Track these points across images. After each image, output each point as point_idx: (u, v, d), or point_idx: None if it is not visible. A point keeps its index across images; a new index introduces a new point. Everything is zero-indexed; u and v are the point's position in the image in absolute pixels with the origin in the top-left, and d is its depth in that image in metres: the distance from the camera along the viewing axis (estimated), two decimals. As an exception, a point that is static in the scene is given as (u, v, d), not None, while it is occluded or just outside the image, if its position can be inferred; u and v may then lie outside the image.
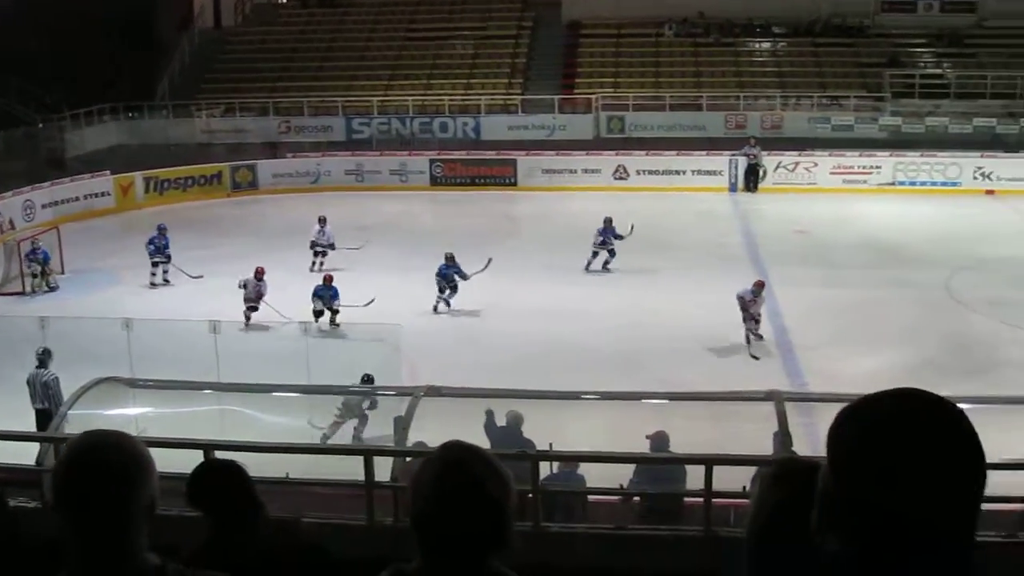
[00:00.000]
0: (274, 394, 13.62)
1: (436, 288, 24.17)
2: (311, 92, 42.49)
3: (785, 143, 38.84)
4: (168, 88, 43.66)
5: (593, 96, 41.69)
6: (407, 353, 19.11)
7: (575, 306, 23.54)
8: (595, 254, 27.21)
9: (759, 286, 21.43)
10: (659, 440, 12.28)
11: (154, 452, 2.65)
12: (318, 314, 22.70)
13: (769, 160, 37.27)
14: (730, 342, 21.11)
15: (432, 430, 10.29)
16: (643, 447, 12.03)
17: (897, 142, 39.36)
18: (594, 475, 11.57)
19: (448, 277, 24.19)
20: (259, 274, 23.49)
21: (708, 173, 37.51)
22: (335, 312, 22.80)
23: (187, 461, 4.85)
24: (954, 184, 37.01)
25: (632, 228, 27.19)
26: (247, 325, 22.68)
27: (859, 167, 37.42)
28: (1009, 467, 8.60)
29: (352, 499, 9.56)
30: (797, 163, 37.47)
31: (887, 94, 41.62)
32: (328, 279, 23.46)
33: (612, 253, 27.15)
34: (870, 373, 18.53)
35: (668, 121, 40.80)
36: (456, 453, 2.57)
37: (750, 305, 21.22)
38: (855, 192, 36.27)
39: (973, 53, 44.18)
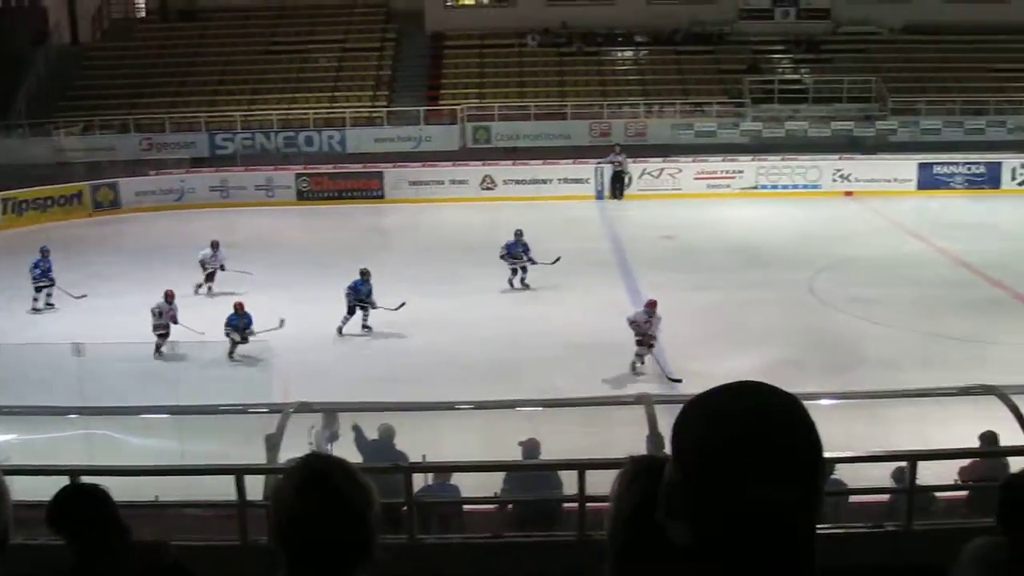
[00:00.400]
0: (142, 416, 13.36)
1: (346, 306, 23.19)
2: (173, 108, 41.83)
3: (649, 150, 39.36)
4: (24, 106, 42.58)
5: (458, 107, 41.75)
6: (281, 370, 18.92)
7: (449, 317, 23.55)
8: (514, 270, 26.36)
9: (652, 306, 20.55)
10: (530, 448, 12.34)
11: (19, 480, 2.58)
12: (237, 344, 21.66)
13: (634, 167, 37.72)
14: (602, 347, 21.25)
15: (304, 447, 10.20)
16: (518, 455, 12.08)
17: (758, 147, 40.19)
18: (469, 484, 11.57)
19: (362, 295, 23.25)
20: (169, 297, 22.55)
21: (574, 181, 37.82)
22: (247, 340, 21.84)
23: (53, 488, 4.74)
24: (814, 187, 37.88)
25: (557, 260, 26.48)
26: (160, 352, 21.84)
27: (722, 172, 38.10)
28: (873, 459, 8.83)
29: (226, 520, 9.43)
30: (662, 169, 38.00)
31: (747, 100, 42.46)
32: (240, 306, 22.29)
33: (524, 269, 26.41)
34: (738, 373, 18.49)
35: (533, 131, 41.10)
36: (317, 465, 2.58)
37: (646, 327, 20.38)
38: (719, 197, 36.92)
39: (829, 59, 45.28)
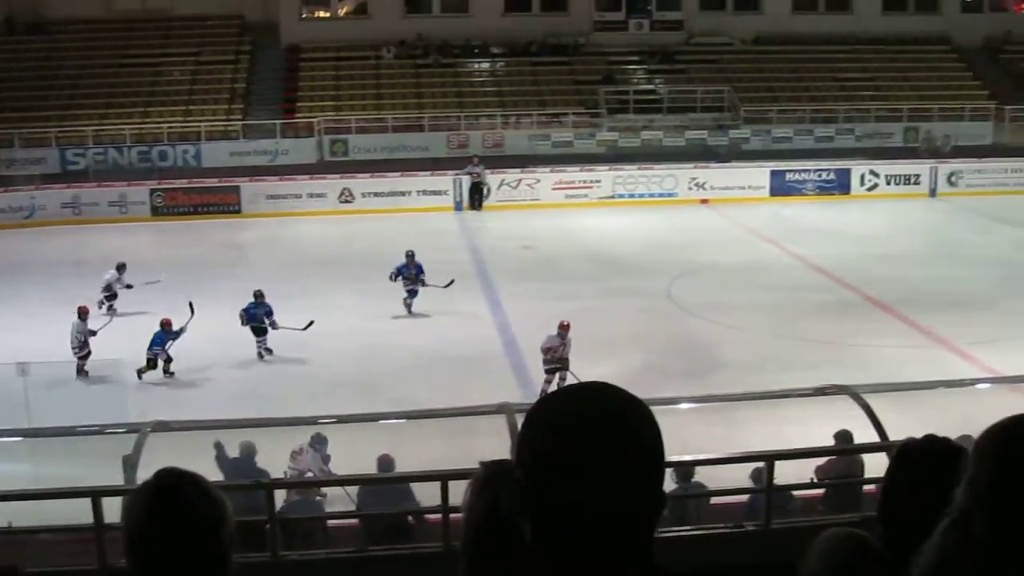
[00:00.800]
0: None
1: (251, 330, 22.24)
2: (22, 123, 40.61)
3: (507, 161, 39.54)
4: None
5: (315, 120, 41.42)
6: (137, 389, 18.54)
7: (309, 332, 23.27)
8: (410, 292, 25.14)
9: (565, 328, 19.90)
10: (385, 463, 12.30)
11: None
12: (169, 362, 21.01)
13: (492, 178, 37.83)
14: (463, 358, 21.25)
15: (162, 467, 9.98)
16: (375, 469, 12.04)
17: (615, 156, 40.67)
18: (332, 499, 11.48)
19: (257, 318, 22.23)
20: (83, 313, 21.73)
21: (433, 193, 37.76)
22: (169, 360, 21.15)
23: None
24: (671, 195, 38.44)
25: (451, 282, 25.50)
26: (85, 374, 21.01)
27: (580, 182, 38.41)
28: (732, 461, 8.96)
29: (83, 543, 9.20)
30: (520, 180, 38.16)
31: (603, 110, 42.91)
32: (167, 323, 21.15)
33: (414, 292, 25.16)
34: (602, 378, 18.92)
35: (391, 143, 41.00)
36: (168, 479, 2.53)
37: (560, 350, 19.79)
38: (577, 206, 37.20)
39: (683, 69, 46.04)
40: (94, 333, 21.50)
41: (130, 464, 10.32)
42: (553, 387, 18.36)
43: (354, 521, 11.73)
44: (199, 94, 43.23)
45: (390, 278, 25.05)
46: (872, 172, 40.10)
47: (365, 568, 8.93)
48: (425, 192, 37.77)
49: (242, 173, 38.58)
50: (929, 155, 41.70)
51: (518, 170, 38.53)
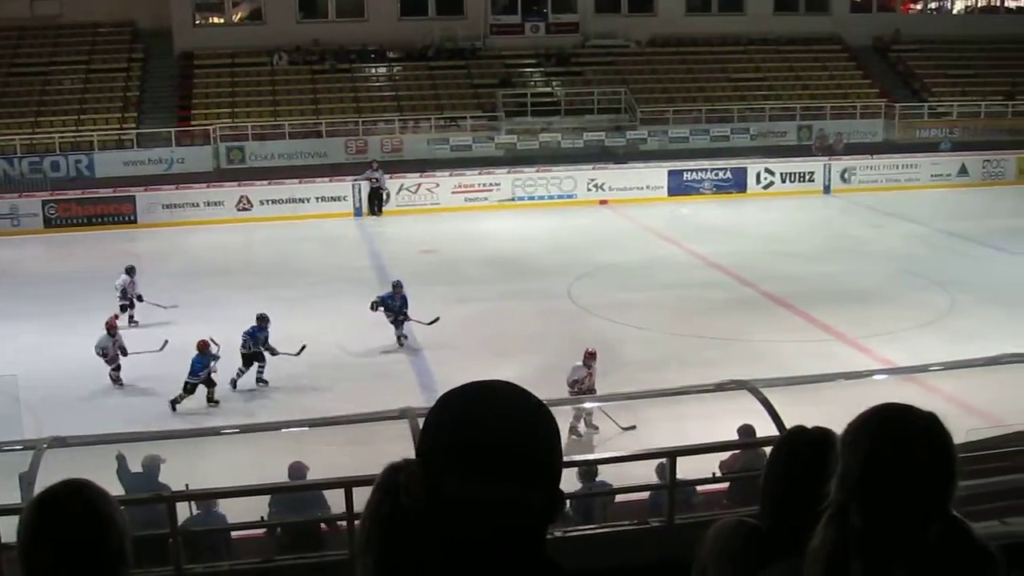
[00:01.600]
0: None
1: (241, 358, 20.92)
2: (-94, 136, 39.72)
3: (406, 165, 39.49)
4: None
5: (211, 127, 40.96)
6: (33, 404, 18.16)
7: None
8: (396, 324, 22.95)
9: (591, 357, 18.62)
10: (296, 470, 12.21)
11: None
12: (191, 389, 19.84)
13: (392, 183, 37.64)
14: (366, 365, 21.16)
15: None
16: (286, 477, 11.93)
17: (514, 159, 40.77)
18: (238, 510, 11.34)
19: (259, 341, 20.95)
20: (111, 328, 21.12)
21: (332, 199, 37.47)
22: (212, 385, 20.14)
23: None
24: (570, 196, 38.59)
25: (435, 320, 23.17)
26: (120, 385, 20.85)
27: (479, 185, 38.41)
28: (635, 458, 9.03)
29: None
30: (419, 184, 38.06)
31: (501, 113, 43.03)
32: (204, 345, 19.89)
33: (399, 324, 22.97)
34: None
35: (289, 149, 40.72)
36: (60, 491, 2.50)
37: (587, 381, 18.39)
38: (477, 209, 37.21)
39: (580, 71, 46.35)
40: (124, 351, 21.01)
41: (27, 482, 10.11)
42: (581, 423, 17.92)
43: (263, 532, 11.62)
44: (91, 103, 42.51)
45: (371, 307, 22.96)
46: (767, 170, 40.66)
47: (271, 578, 8.86)
48: (324, 198, 37.46)
49: (137, 183, 37.96)
50: (822, 153, 42.41)
51: (417, 175, 38.43)
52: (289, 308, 24.86)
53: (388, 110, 43.29)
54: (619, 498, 12.04)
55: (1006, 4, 55.93)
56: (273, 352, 20.86)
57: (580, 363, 18.53)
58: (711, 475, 10.87)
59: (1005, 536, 6.46)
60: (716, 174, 40.29)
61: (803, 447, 3.04)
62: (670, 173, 39.89)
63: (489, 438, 1.94)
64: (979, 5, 55.73)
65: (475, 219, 35.89)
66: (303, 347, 21.20)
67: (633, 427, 16.94)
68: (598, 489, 11.73)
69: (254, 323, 21.11)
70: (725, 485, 11.93)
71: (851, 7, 52.65)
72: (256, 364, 20.88)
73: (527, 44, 47.82)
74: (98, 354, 20.84)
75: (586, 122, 43.32)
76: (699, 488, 11.69)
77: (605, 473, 12.07)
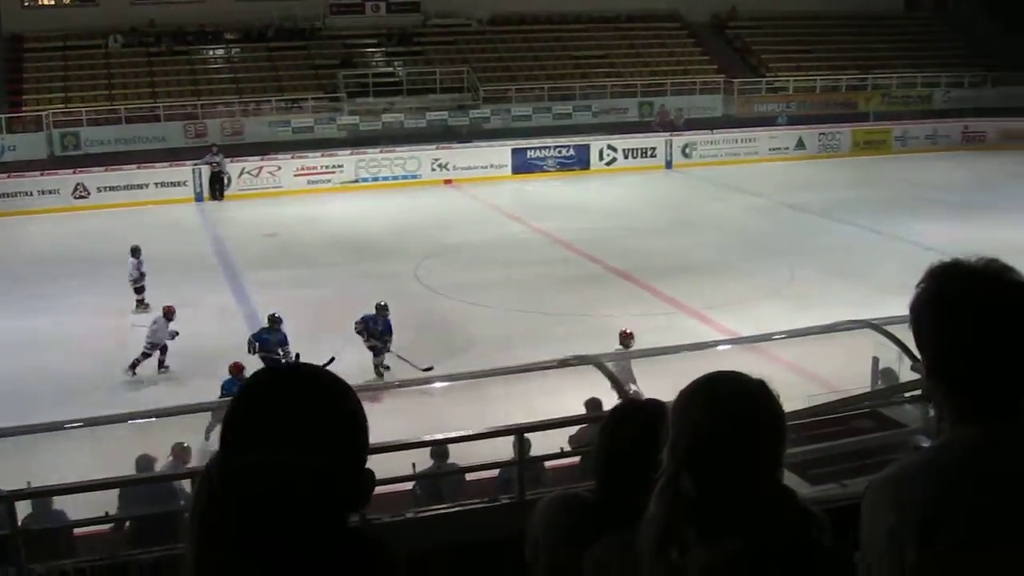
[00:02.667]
0: None
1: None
2: None
3: (247, 148, 38.86)
4: None
5: (43, 113, 39.72)
6: None
7: (51, 334, 22.37)
8: (373, 350, 20.32)
9: (628, 337, 18.31)
10: (144, 462, 11.97)
11: None
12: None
13: (233, 167, 37.04)
14: (213, 353, 20.77)
15: None
16: (133, 470, 11.69)
17: (357, 140, 40.51)
18: (83, 506, 11.05)
19: (270, 346, 19.25)
20: (168, 313, 20.73)
21: (172, 184, 36.70)
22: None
23: None
24: (414, 176, 38.51)
25: (429, 368, 20.02)
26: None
27: (322, 167, 38.05)
28: (483, 436, 9.03)
29: None
30: (261, 168, 37.54)
31: (343, 94, 42.64)
32: (237, 369, 17.34)
33: (377, 351, 20.32)
34: (347, 366, 18.85)
35: (125, 134, 39.72)
36: None
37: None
38: (321, 192, 36.89)
39: (422, 51, 46.20)
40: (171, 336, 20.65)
41: None
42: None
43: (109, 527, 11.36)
44: (-85, 90, 40.92)
45: (356, 330, 20.26)
46: (610, 147, 41.11)
47: (119, 574, 8.65)
48: (164, 184, 36.63)
49: (-34, 172, 36.71)
50: (663, 128, 43.01)
51: (259, 158, 37.89)
52: (131, 297, 24.33)
53: (227, 92, 42.56)
54: (471, 477, 12.05)
55: (838, -19, 57.26)
56: (289, 357, 18.69)
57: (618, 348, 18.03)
58: (559, 450, 10.93)
59: (843, 498, 6.62)
60: (559, 151, 40.59)
61: (630, 419, 3.05)
62: (514, 151, 40.07)
63: (276, 413, 1.98)
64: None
65: (319, 201, 35.56)
66: (331, 359, 17.69)
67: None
68: (448, 468, 11.73)
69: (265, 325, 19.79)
70: (576, 459, 12.00)
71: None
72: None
73: (368, 24, 47.48)
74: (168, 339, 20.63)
75: (429, 102, 43.21)
76: (550, 464, 11.77)
77: (456, 453, 12.07)
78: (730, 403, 2.36)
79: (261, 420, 2.00)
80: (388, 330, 20.35)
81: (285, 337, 19.46)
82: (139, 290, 24.20)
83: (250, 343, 19.37)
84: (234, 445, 2.00)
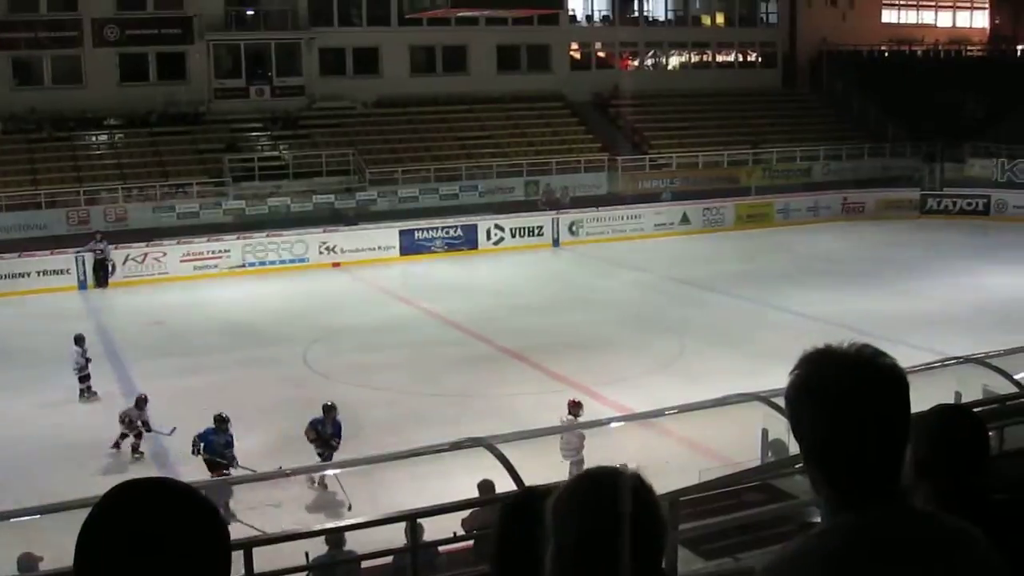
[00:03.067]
0: None
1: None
2: None
3: (132, 235, 38.28)
4: None
5: (-80, 202, 38.86)
6: None
7: None
8: (322, 456, 18.56)
9: (575, 406, 18.34)
10: (27, 562, 11.64)
11: None
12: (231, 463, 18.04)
13: (117, 253, 36.43)
14: (95, 444, 20.29)
15: None
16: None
17: (243, 224, 40.16)
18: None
19: (215, 449, 17.94)
20: (141, 403, 20.26)
21: (55, 272, 35.96)
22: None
23: None
24: (302, 260, 38.24)
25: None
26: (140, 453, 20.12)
27: (209, 252, 37.62)
28: (376, 524, 8.90)
29: None
30: (146, 254, 36.97)
31: (228, 179, 42.38)
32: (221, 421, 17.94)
33: (323, 457, 18.76)
34: (243, 452, 18.56)
35: (6, 222, 38.99)
36: None
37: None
38: (207, 277, 36.43)
39: (307, 134, 46.19)
40: (148, 428, 20.20)
41: None
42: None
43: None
44: None
45: (308, 439, 18.68)
46: (497, 226, 41.32)
47: None
48: (46, 272, 35.89)
49: None
50: (550, 207, 43.37)
51: (143, 244, 37.33)
52: (11, 391, 23.74)
53: (111, 178, 42.02)
54: (367, 564, 11.86)
55: (717, 59, 58.71)
56: (233, 463, 18.02)
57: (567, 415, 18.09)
58: (452, 534, 10.81)
59: (737, 572, 6.62)
60: (447, 232, 40.68)
61: (526, 508, 2.99)
62: (401, 233, 40.05)
63: (132, 535, 1.96)
64: (692, 61, 58.30)
65: (205, 287, 35.12)
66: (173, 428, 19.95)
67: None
68: (343, 556, 11.53)
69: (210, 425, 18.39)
70: (469, 543, 11.89)
71: (571, 65, 54.39)
72: (210, 472, 17.67)
73: (252, 108, 47.39)
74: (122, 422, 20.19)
75: (315, 185, 43.11)
76: (444, 548, 11.63)
77: (352, 540, 11.88)
78: (608, 506, 2.33)
79: (115, 540, 1.96)
80: (338, 432, 18.84)
81: (231, 439, 18.26)
82: (83, 379, 23.61)
83: (194, 443, 18.17)
84: (83, 566, 1.97)
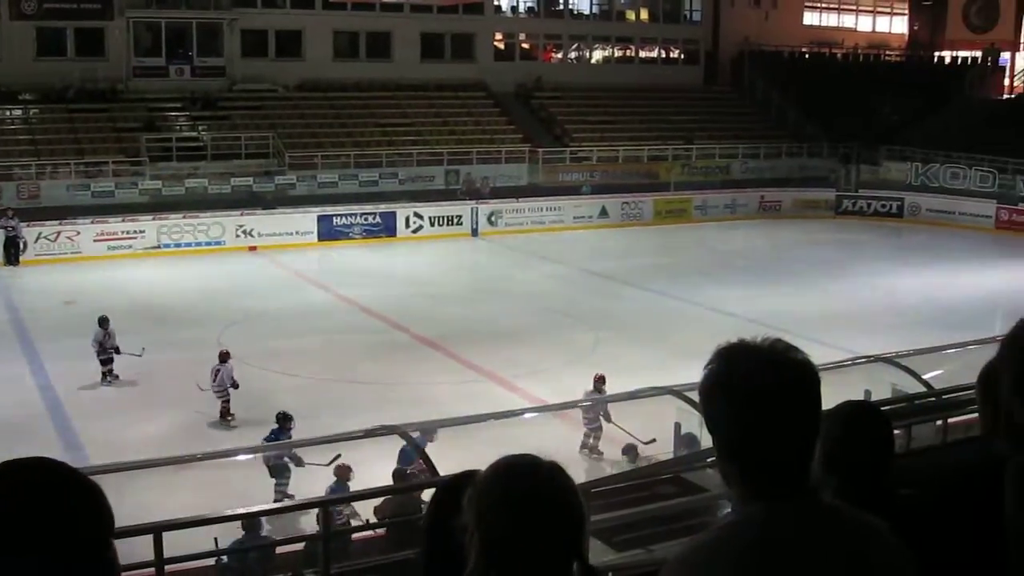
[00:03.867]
0: None
1: None
2: None
3: (45, 213, 37.55)
4: None
5: None
6: None
7: None
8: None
9: (600, 381, 19.12)
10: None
11: None
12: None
13: (29, 231, 35.80)
14: (3, 424, 19.97)
15: None
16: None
17: (159, 205, 39.64)
18: None
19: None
20: (224, 356, 20.93)
21: (-36, 250, 35.32)
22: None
23: None
24: (218, 243, 37.86)
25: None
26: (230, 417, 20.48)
27: (123, 232, 37.09)
28: (288, 510, 8.85)
29: None
30: (59, 232, 36.35)
31: (145, 158, 41.78)
32: (344, 472, 14.02)
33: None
34: (151, 437, 18.40)
35: (-86, 197, 38.14)
36: None
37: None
38: (122, 258, 35.91)
39: (227, 116, 45.65)
40: (235, 384, 20.83)
41: None
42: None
43: None
44: None
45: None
46: (416, 214, 41.22)
47: None
48: (-45, 250, 35.24)
49: None
50: (470, 196, 43.35)
51: (56, 222, 36.65)
52: None
53: (24, 155, 41.23)
54: (279, 550, 11.80)
55: (640, 55, 59.01)
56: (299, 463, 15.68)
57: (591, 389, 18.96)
58: (365, 521, 10.79)
59: (650, 563, 6.67)
60: (366, 219, 40.50)
61: (460, 491, 2.98)
62: (320, 218, 39.81)
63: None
64: (615, 56, 58.53)
65: (119, 268, 34.61)
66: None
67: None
68: (254, 542, 11.45)
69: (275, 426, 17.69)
70: (382, 531, 11.87)
71: (495, 55, 54.38)
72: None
73: (172, 87, 46.75)
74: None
75: (234, 167, 42.65)
76: (357, 536, 11.61)
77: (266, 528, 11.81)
78: (528, 493, 2.34)
79: None
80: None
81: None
82: (104, 362, 23.01)
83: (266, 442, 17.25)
84: None
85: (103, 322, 23.28)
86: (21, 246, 35.55)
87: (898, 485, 3.45)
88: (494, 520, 2.33)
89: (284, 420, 17.47)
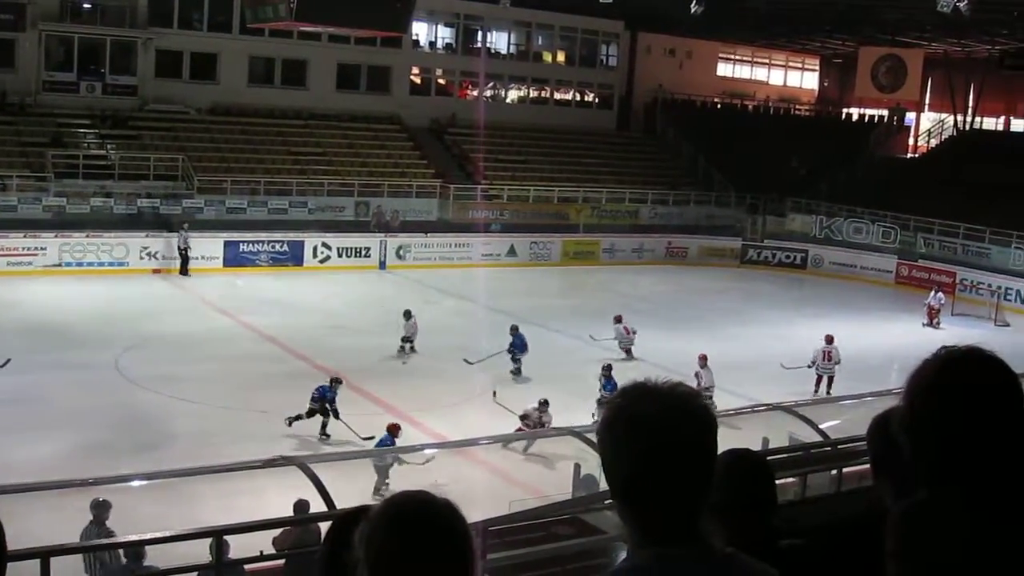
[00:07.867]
0: None
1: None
2: None
3: (-57, 226, 36.83)
4: None
5: None
6: None
7: None
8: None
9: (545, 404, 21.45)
10: None
11: None
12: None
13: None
14: None
15: None
16: None
17: (62, 223, 38.94)
18: None
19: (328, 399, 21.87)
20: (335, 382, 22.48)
21: None
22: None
23: None
24: (121, 264, 37.36)
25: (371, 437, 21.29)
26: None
27: (24, 248, 36.42)
28: (179, 539, 8.70)
29: None
30: (-45, 247, 35.62)
31: (50, 174, 41.08)
32: (395, 428, 19.61)
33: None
34: (44, 459, 18.01)
35: None
36: None
37: (537, 417, 21.10)
38: (21, 275, 35.23)
39: (137, 135, 45.11)
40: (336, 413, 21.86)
41: None
42: None
43: None
44: None
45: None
46: (324, 245, 41.05)
47: None
48: None
49: None
50: (379, 229, 43.24)
51: (-43, 236, 35.93)
52: None
53: (-76, 165, 40.40)
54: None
55: (555, 96, 59.44)
56: (336, 415, 21.52)
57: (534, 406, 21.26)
58: (260, 552, 10.63)
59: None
60: (273, 246, 40.24)
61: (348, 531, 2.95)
62: (226, 243, 39.47)
63: None
64: (531, 96, 58.89)
65: (17, 284, 33.93)
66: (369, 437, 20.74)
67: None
68: (143, 571, 11.23)
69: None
70: (280, 562, 11.72)
71: (411, 89, 54.45)
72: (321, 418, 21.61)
73: (82, 104, 46.06)
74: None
75: (141, 188, 42.07)
76: (251, 567, 11.44)
77: (153, 555, 11.59)
78: (417, 535, 2.32)
79: None
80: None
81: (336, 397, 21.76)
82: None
83: (314, 394, 21.85)
84: None
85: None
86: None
87: (789, 534, 3.47)
88: (383, 556, 2.30)
89: (334, 383, 22.04)
